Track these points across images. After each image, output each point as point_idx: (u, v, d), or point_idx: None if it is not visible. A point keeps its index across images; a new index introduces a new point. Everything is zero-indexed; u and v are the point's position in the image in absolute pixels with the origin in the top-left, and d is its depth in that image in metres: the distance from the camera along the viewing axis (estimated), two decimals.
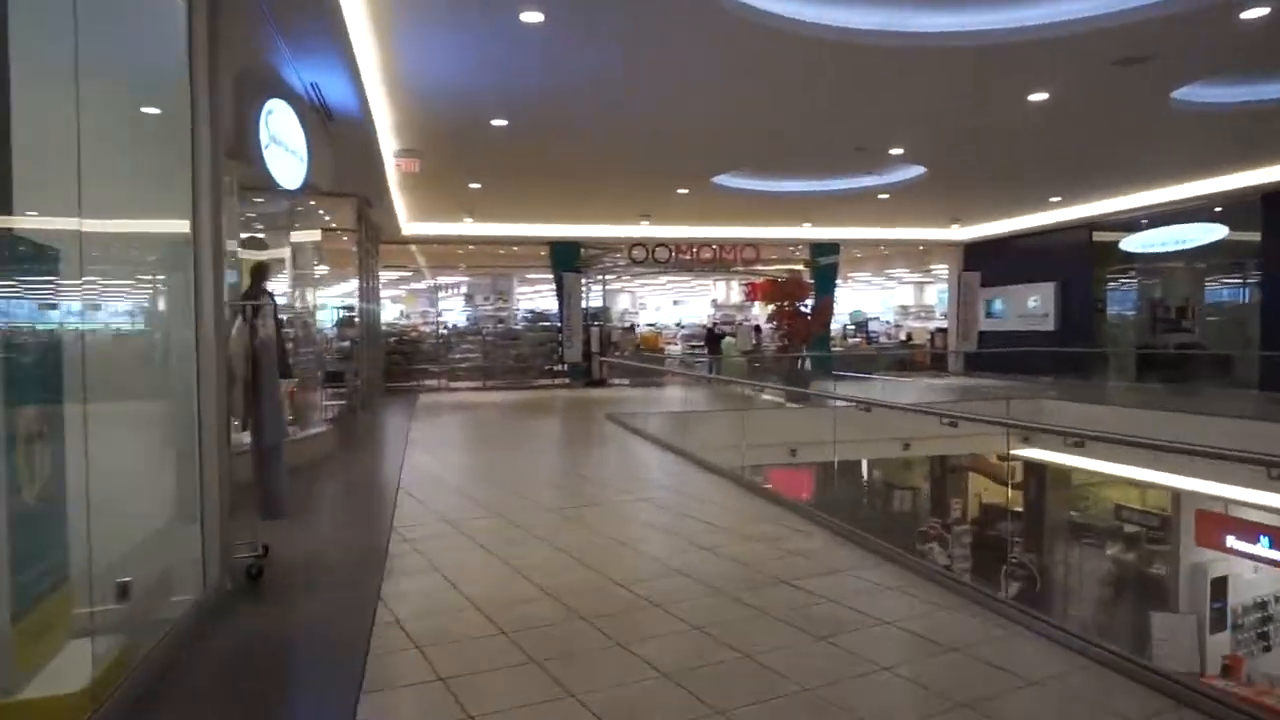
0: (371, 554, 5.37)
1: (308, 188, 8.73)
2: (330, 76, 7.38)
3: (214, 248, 4.36)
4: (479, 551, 5.46)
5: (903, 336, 26.60)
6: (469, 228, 19.05)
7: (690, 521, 6.24)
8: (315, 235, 10.82)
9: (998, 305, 21.50)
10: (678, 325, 29.90)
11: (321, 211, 13.83)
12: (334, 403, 13.29)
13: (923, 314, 32.05)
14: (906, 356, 24.89)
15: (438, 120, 10.12)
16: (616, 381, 21.24)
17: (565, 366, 20.42)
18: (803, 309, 15.18)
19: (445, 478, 8.05)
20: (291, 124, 7.54)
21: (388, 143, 10.91)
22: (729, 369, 21.34)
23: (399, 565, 5.16)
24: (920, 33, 7.76)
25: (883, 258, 26.31)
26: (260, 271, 8.70)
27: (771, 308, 16.08)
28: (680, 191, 15.14)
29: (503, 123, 10.20)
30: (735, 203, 16.54)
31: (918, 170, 13.95)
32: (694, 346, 25.34)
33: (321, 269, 18.97)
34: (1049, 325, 19.53)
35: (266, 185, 7.64)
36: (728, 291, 30.24)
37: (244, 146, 6.78)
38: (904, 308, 33.02)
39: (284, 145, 7.40)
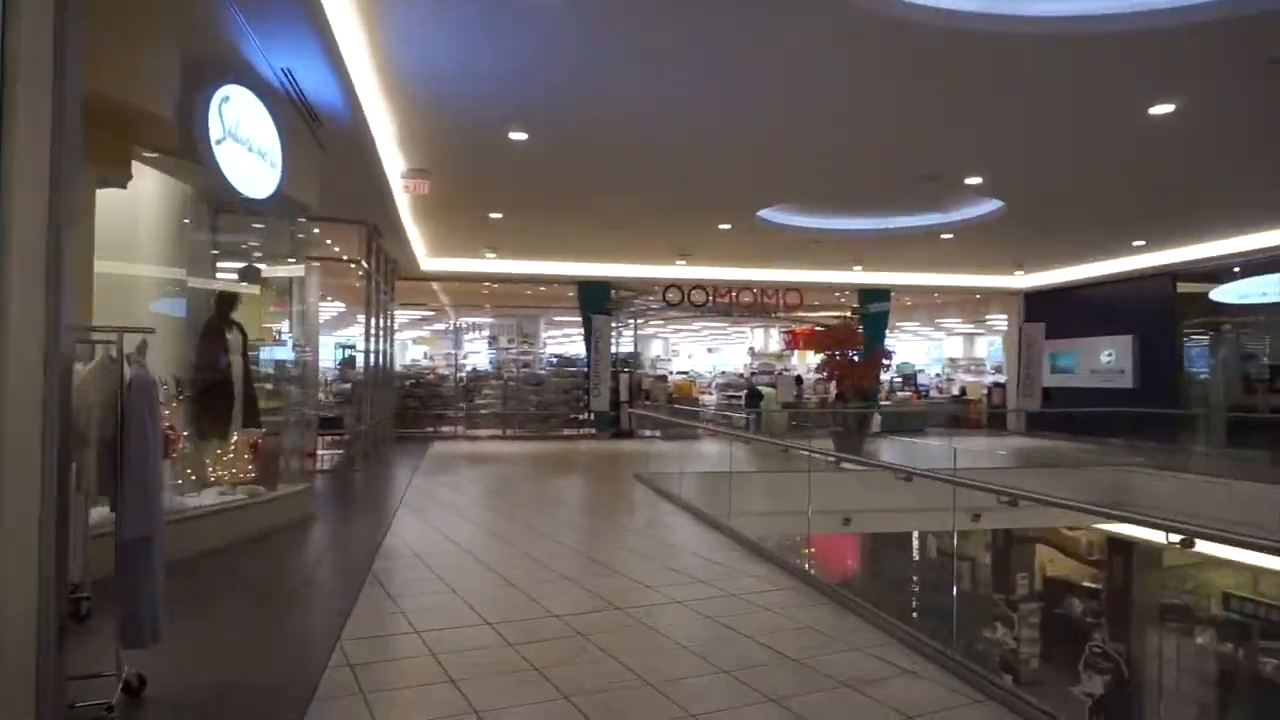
0: (295, 688, 3.80)
1: (288, 203, 7.37)
2: (306, 60, 6.01)
3: (48, 255, 2.90)
4: (448, 690, 3.87)
5: (955, 390, 24.75)
6: (492, 265, 17.74)
7: (741, 643, 4.60)
8: (299, 270, 9.41)
9: (1065, 359, 19.65)
10: (716, 372, 28.30)
11: (329, 241, 12.56)
12: (330, 452, 11.84)
13: (973, 367, 30.20)
14: (960, 412, 23.06)
15: (446, 131, 8.77)
16: (646, 433, 19.64)
17: (592, 415, 18.90)
18: (855, 358, 13.53)
19: (430, 560, 6.47)
20: (257, 118, 6.18)
21: (393, 160, 9.59)
22: (770, 424, 19.68)
23: (329, 714, 3.58)
24: (1026, 17, 6.24)
25: (933, 306, 24.62)
26: (226, 302, 7.32)
27: (819, 357, 14.41)
28: (722, 227, 13.69)
29: (522, 136, 8.81)
30: (781, 241, 15.06)
31: (992, 205, 12.35)
32: (730, 397, 23.74)
33: (329, 304, 17.75)
34: (1126, 382, 17.64)
35: (226, 194, 6.26)
36: (766, 339, 28.67)
37: (185, 137, 5.41)
38: (953, 360, 31.20)
39: (246, 143, 6.03)
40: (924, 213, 13.41)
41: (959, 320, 26.30)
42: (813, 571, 6.54)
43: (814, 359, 20.05)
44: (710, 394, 23.71)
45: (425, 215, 12.91)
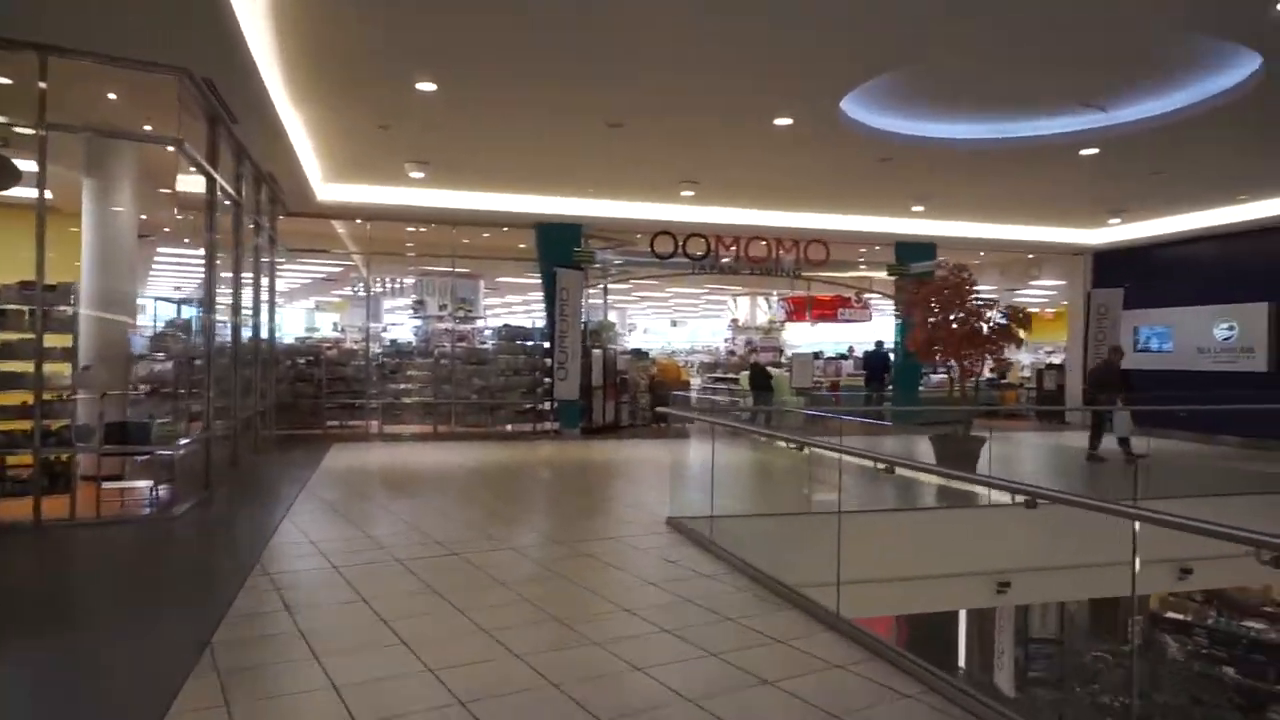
0: None
1: None
2: None
3: None
4: None
5: (987, 373, 20.63)
6: (419, 194, 12.64)
7: None
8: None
9: (1154, 334, 15.58)
10: (702, 348, 23.59)
11: (150, 127, 7.41)
12: (116, 486, 6.75)
13: None
14: (994, 401, 18.97)
15: None
16: (626, 426, 14.88)
17: (553, 405, 14.04)
18: (984, 324, 8.96)
19: None
20: None
21: None
22: (787, 414, 15.14)
23: None
24: None
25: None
26: None
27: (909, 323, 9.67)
28: (780, 123, 8.90)
29: None
30: (839, 159, 10.45)
31: (1230, 77, 7.91)
32: (716, 380, 19.14)
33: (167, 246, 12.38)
34: (1255, 364, 13.63)
35: None
36: (753, 310, 24.14)
37: None
38: None
39: None
40: (1075, 109, 8.95)
41: (992, 288, 22.15)
42: None
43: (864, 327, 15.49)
44: (694, 377, 19.01)
45: (309, 76, 7.80)
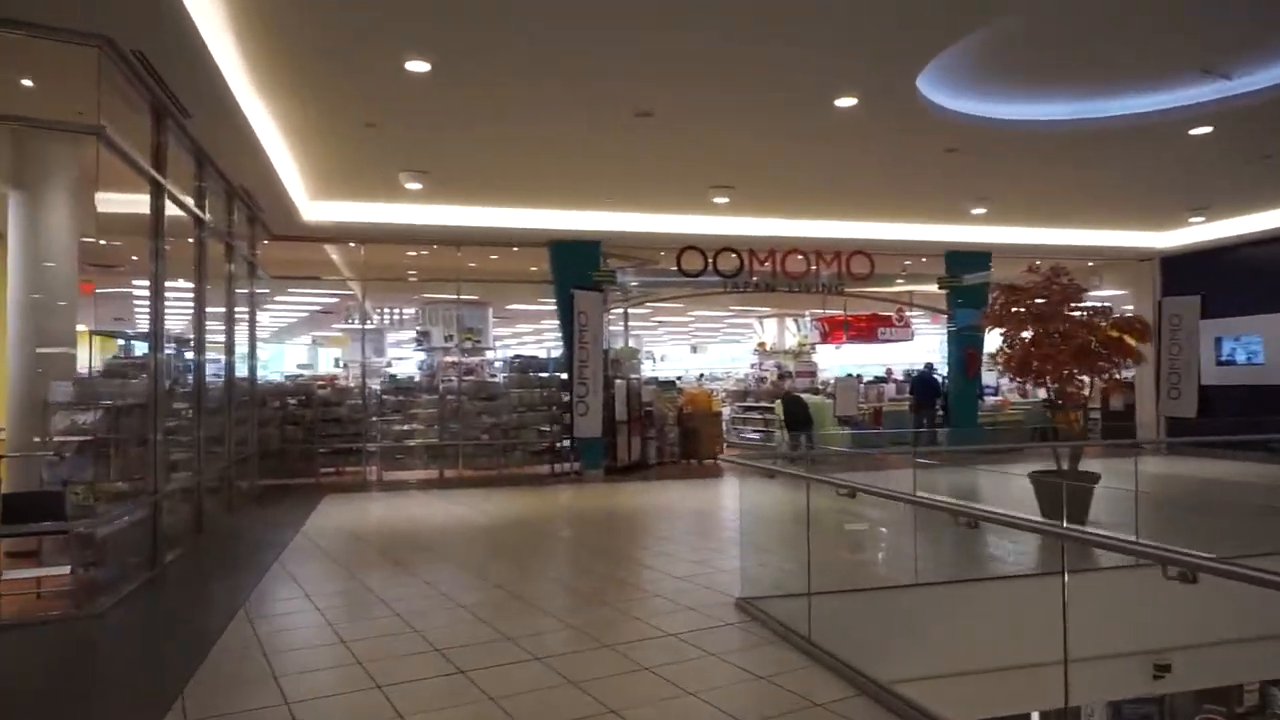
0: None
1: None
2: None
3: None
4: None
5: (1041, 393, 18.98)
6: (416, 210, 11.24)
7: None
8: None
9: (1239, 345, 13.97)
10: (737, 375, 22.05)
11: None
12: (20, 576, 5.27)
13: None
14: (1046, 426, 17.35)
15: None
16: (654, 464, 13.33)
17: (573, 443, 12.52)
18: (1091, 339, 7.35)
19: None
20: None
21: None
22: (828, 446, 13.56)
23: None
24: None
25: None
26: None
27: (1000, 340, 8.04)
28: (843, 104, 7.43)
29: None
30: (903, 149, 9.00)
31: None
32: (746, 408, 17.59)
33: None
34: None
35: None
36: (781, 332, 22.59)
37: None
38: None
39: None
40: (1200, 83, 7.48)
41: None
42: None
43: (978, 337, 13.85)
44: (724, 408, 17.41)
45: (272, 54, 6.39)
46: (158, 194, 6.47)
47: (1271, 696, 7.50)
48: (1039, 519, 6.85)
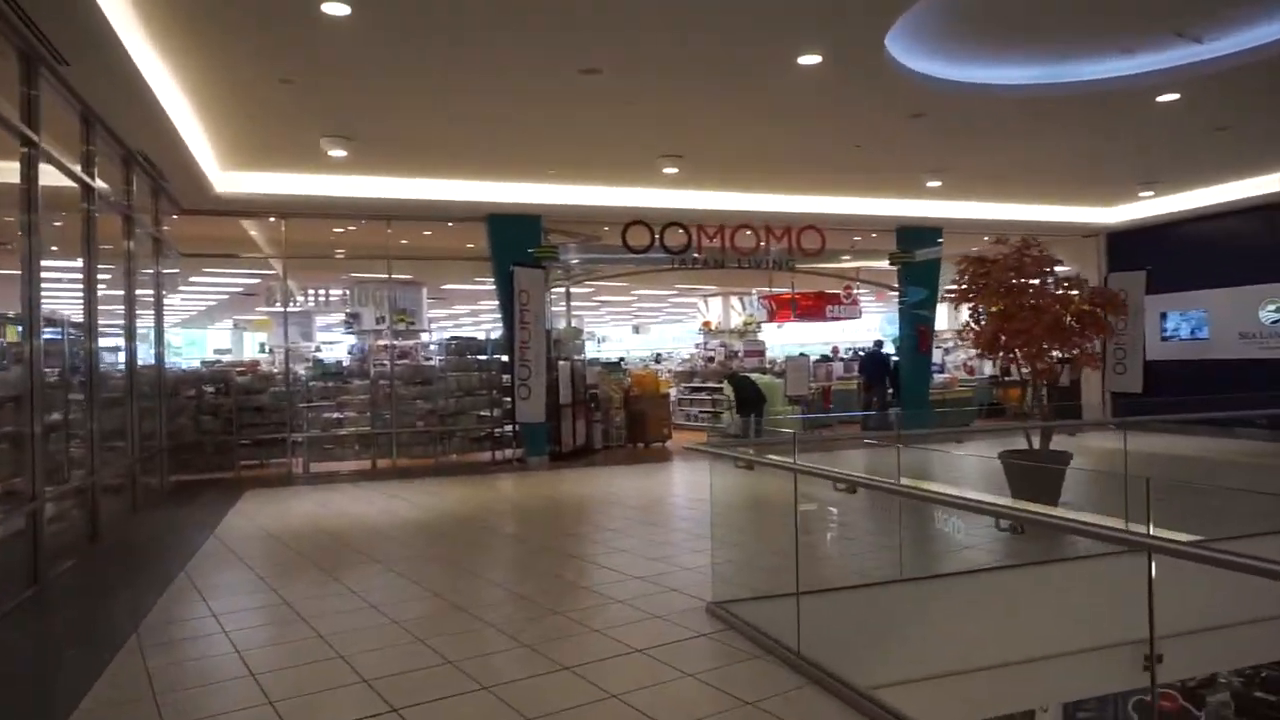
0: None
1: None
2: None
3: None
4: None
5: (988, 370, 18.99)
6: (341, 182, 10.40)
7: None
8: None
9: (1182, 320, 13.99)
10: (681, 357, 21.53)
11: None
12: None
13: (958, 340, 24.70)
14: (995, 400, 17.31)
15: None
16: (599, 449, 12.75)
17: (515, 429, 11.85)
18: (1065, 314, 6.96)
19: None
20: None
21: None
22: (779, 429, 13.18)
23: None
24: None
25: (952, 256, 18.72)
26: None
27: (967, 315, 7.62)
28: (805, 61, 6.88)
29: None
30: (853, 118, 8.54)
31: None
32: (693, 389, 17.13)
33: None
34: None
35: None
36: (726, 311, 22.15)
37: None
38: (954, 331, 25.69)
39: None
40: (1163, 42, 7.16)
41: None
42: None
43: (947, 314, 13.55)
44: (671, 388, 16.89)
45: (169, 2, 5.55)
46: (30, 154, 5.58)
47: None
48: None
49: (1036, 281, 7.51)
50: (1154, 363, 14.25)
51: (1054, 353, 7.46)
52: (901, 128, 8.95)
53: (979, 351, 8.03)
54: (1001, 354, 7.61)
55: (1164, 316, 14.16)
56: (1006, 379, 17.79)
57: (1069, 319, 7.20)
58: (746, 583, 4.99)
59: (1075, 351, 7.39)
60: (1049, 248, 7.85)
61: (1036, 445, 7.52)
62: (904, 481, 5.35)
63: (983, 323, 7.61)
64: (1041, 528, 4.98)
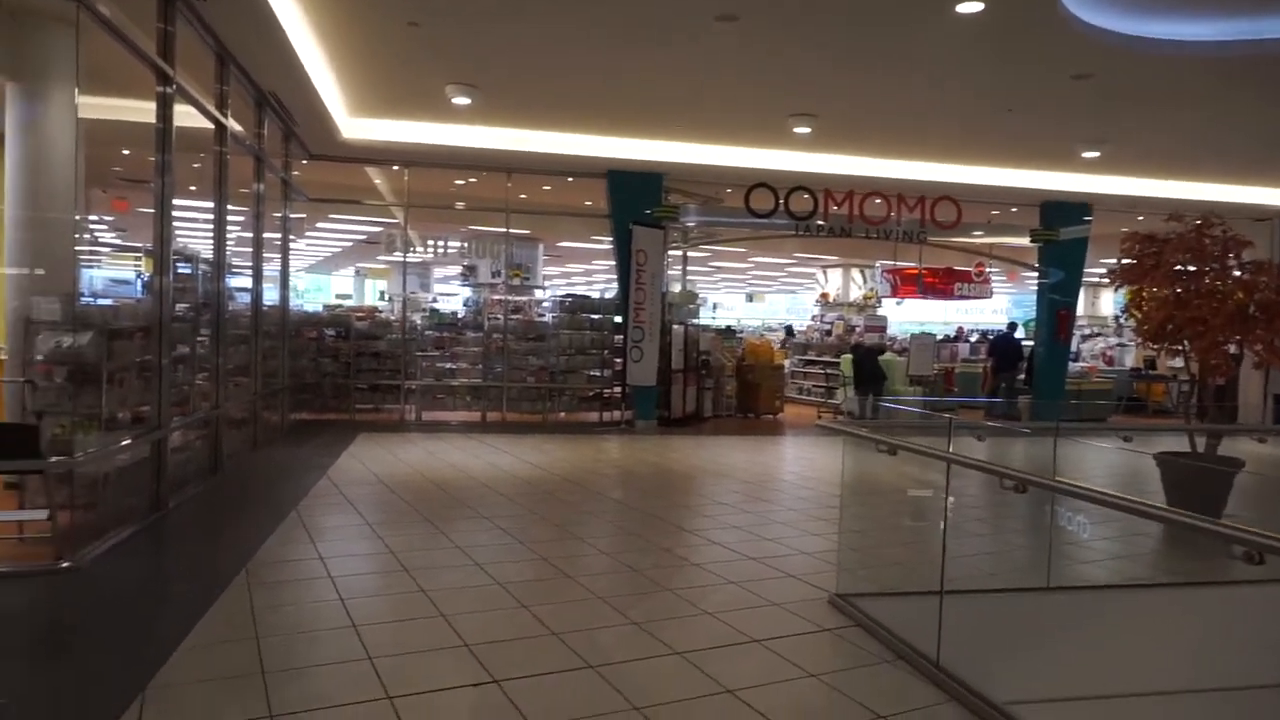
0: None
1: None
2: None
3: None
4: None
5: (1129, 362, 17.65)
6: (465, 132, 10.31)
7: None
8: None
9: None
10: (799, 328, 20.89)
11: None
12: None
13: (1097, 327, 23.12)
14: (1138, 396, 15.98)
15: None
16: (709, 417, 12.43)
17: (625, 391, 11.66)
18: (1249, 303, 6.23)
19: None
20: None
21: None
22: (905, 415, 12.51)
23: None
24: None
25: (1103, 239, 17.33)
26: None
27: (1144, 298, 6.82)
28: (964, 9, 6.25)
29: None
30: (1027, 73, 7.76)
31: None
32: (807, 362, 16.53)
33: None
34: None
35: None
36: (846, 283, 21.35)
37: None
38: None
39: None
40: None
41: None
42: None
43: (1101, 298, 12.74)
44: (785, 361, 16.36)
45: None
46: (165, 90, 5.60)
47: None
48: None
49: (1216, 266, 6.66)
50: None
51: (1229, 346, 6.61)
52: (1062, 90, 8.14)
53: (1140, 341, 7.22)
54: (1167, 345, 6.80)
55: None
56: (1150, 372, 16.48)
57: (1253, 309, 6.35)
58: (872, 576, 4.59)
59: (1258, 347, 6.52)
60: (1233, 229, 6.93)
61: (1200, 448, 6.73)
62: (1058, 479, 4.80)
63: (1144, 308, 6.83)
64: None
